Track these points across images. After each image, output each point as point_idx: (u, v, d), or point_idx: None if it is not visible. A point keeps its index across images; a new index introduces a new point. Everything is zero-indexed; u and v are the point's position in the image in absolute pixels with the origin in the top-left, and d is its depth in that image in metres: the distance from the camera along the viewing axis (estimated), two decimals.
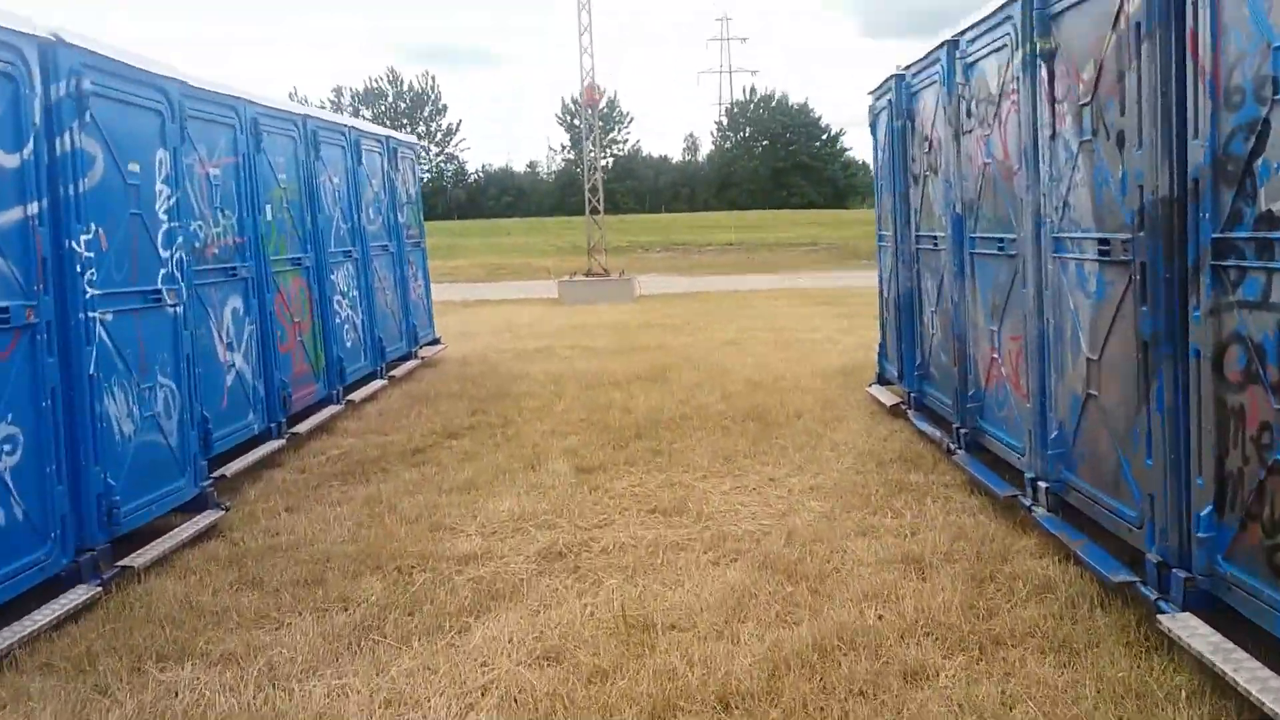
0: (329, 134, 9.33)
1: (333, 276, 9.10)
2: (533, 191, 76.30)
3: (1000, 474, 5.90)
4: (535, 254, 35.78)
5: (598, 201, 22.43)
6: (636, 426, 7.98)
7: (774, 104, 75.14)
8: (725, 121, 77.81)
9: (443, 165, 79.41)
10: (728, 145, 76.00)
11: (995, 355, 5.85)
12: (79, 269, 4.92)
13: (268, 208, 7.78)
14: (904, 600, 4.39)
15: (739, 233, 44.84)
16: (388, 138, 11.51)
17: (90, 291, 5.00)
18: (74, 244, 4.89)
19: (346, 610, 4.52)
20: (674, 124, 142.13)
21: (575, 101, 62.71)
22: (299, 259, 8.37)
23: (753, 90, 79.08)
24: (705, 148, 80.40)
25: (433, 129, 78.91)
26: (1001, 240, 5.65)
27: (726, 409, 8.55)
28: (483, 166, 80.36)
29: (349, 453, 7.63)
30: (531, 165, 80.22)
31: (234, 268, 7.10)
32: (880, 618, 4.23)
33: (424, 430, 8.21)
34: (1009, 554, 4.98)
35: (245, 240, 7.31)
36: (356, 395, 9.20)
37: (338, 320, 9.14)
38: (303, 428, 7.88)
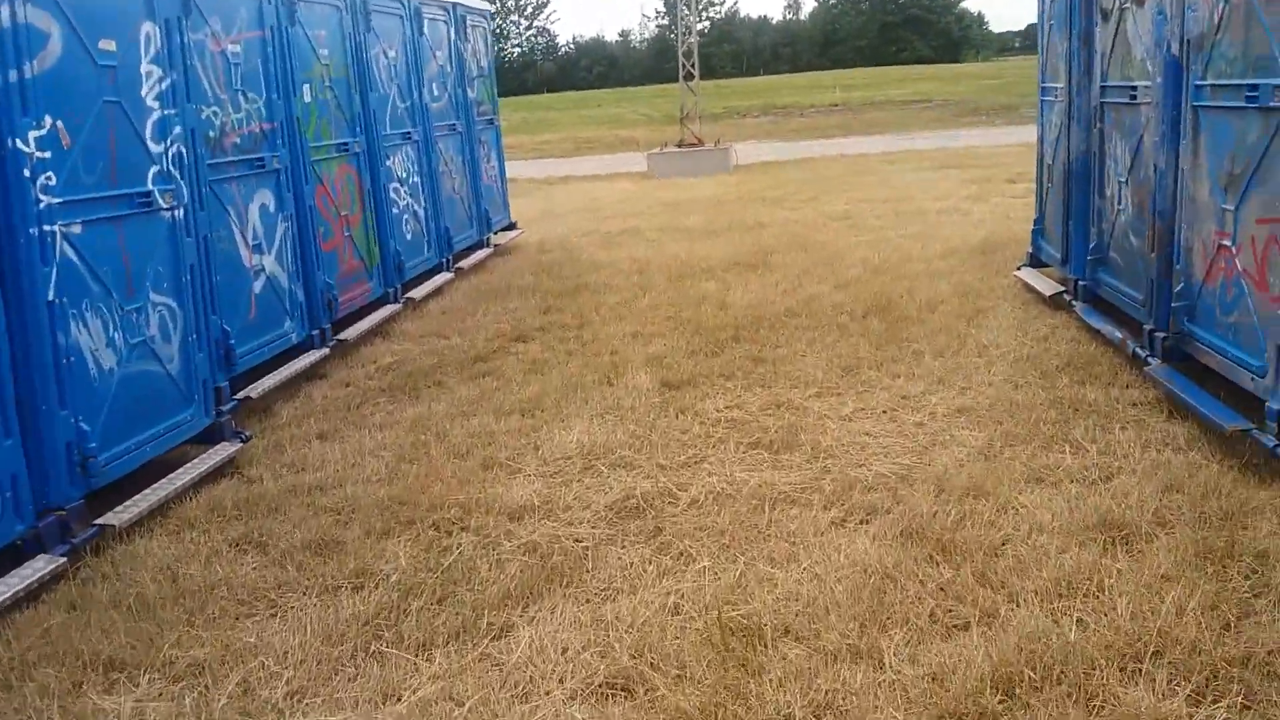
0: (382, 1, 7.98)
1: (388, 162, 7.92)
2: (625, 61, 73.27)
3: (1216, 394, 4.44)
4: (626, 125, 33.95)
5: (692, 66, 20.46)
6: (734, 326, 6.70)
7: None
8: None
9: (533, 39, 76.73)
10: (832, 1, 70.83)
11: (1226, 242, 4.27)
12: (27, 173, 3.85)
13: (305, 88, 6.58)
14: (1113, 595, 3.10)
15: (845, 93, 41.74)
16: (454, 5, 10.04)
17: (46, 200, 3.93)
18: (18, 142, 3.81)
19: (360, 591, 3.51)
20: None
21: None
22: (346, 144, 7.20)
23: None
24: (808, 5, 75.35)
25: (522, 2, 76.01)
26: (1254, 88, 3.99)
27: (843, 301, 7.16)
28: (573, 38, 77.49)
29: (402, 361, 6.61)
30: (624, 34, 76.91)
31: (261, 159, 5.97)
32: (1082, 625, 2.97)
33: (489, 333, 7.12)
34: (1246, 515, 3.60)
35: (276, 126, 6.15)
36: (418, 292, 8.14)
37: (395, 210, 8.01)
38: (351, 333, 6.87)
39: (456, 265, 9.22)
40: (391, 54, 8.11)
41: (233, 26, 5.71)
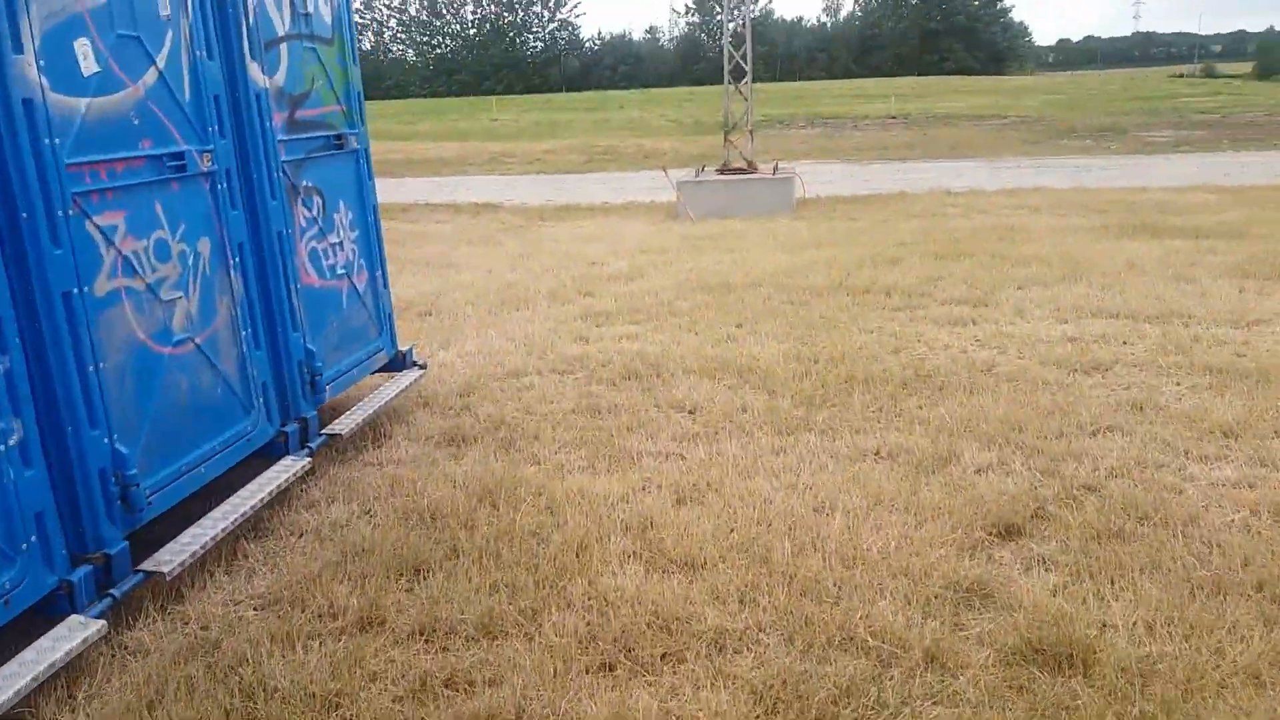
0: None
1: None
2: (651, 59, 67.15)
3: None
4: (651, 133, 27.79)
5: (743, 57, 14.11)
6: None
7: None
8: None
9: (556, 32, 70.39)
10: (872, 5, 64.19)
11: None
12: None
13: None
14: None
15: (894, 103, 35.45)
16: None
17: None
18: None
19: None
20: None
21: None
22: None
23: None
24: (846, 7, 68.88)
25: None
26: None
27: None
28: (599, 33, 71.54)
29: None
30: (651, 31, 70.81)
31: None
32: None
33: None
34: None
35: None
36: None
37: None
38: None
39: (147, 566, 3.08)
40: None
41: None
